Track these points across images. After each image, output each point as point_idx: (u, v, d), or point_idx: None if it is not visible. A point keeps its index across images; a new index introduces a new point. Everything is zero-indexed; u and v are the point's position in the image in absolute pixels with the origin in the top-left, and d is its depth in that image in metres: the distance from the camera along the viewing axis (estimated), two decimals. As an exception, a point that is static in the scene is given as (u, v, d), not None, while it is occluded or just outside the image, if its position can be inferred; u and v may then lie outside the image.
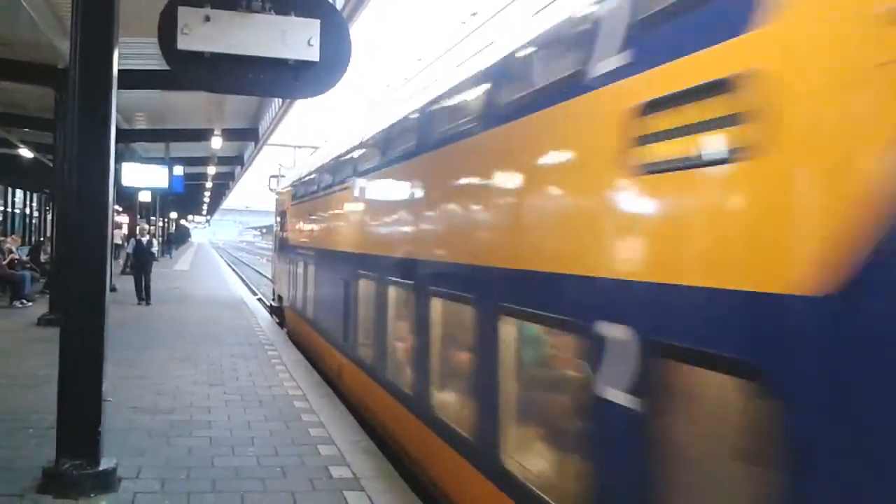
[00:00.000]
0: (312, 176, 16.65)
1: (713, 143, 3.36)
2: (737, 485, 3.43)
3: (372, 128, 11.11)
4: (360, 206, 11.24)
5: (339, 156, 13.39)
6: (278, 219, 23.00)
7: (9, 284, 20.55)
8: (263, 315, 22.06)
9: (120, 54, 6.88)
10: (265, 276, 50.79)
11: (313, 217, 15.93)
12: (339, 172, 13.08)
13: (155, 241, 25.75)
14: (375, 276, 9.74)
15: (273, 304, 23.68)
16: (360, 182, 11.15)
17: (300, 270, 17.05)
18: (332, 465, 7.62)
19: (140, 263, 22.70)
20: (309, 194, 16.76)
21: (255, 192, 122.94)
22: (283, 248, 21.06)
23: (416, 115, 8.70)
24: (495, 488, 5.65)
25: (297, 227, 18.70)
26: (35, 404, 8.99)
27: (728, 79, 3.27)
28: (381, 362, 9.53)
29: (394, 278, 8.97)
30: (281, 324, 20.37)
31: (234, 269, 52.54)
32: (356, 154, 11.89)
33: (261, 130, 26.76)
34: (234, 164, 40.03)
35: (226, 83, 7.19)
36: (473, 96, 6.83)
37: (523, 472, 5.40)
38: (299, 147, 49.92)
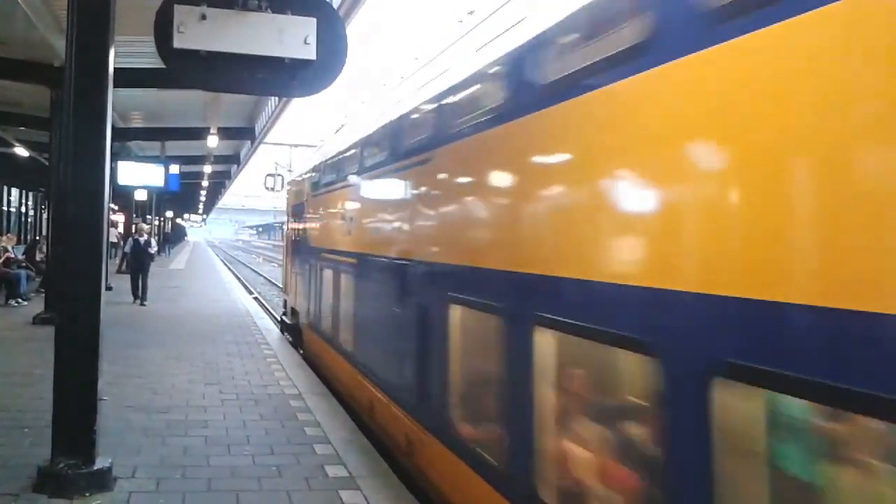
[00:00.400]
0: (350, 155, 11.98)
1: None
2: None
3: (485, 61, 6.60)
4: (461, 192, 6.96)
5: (410, 116, 8.73)
6: (292, 214, 18.76)
7: (4, 283, 20.49)
8: (260, 314, 22.02)
9: (116, 52, 6.88)
10: (261, 275, 50.77)
11: (353, 209, 11.48)
12: (408, 140, 8.59)
13: (153, 241, 25.39)
14: (493, 307, 5.90)
15: (285, 318, 19.24)
16: (463, 151, 6.80)
17: (329, 283, 12.83)
18: (327, 464, 7.63)
19: (138, 263, 22.56)
20: (343, 179, 12.29)
21: (252, 190, 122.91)
22: (301, 250, 16.53)
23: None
24: None
25: (323, 223, 14.27)
26: (30, 403, 8.99)
27: None
28: (520, 460, 5.40)
29: (543, 314, 5.08)
30: (295, 343, 16.53)
31: (230, 268, 52.47)
32: (455, 106, 7.22)
33: (257, 129, 26.73)
34: (230, 163, 40.02)
35: (222, 82, 7.18)
36: None
37: None
38: (295, 146, 49.96)
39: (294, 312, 17.48)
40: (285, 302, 19.97)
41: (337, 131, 15.47)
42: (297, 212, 17.71)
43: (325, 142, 16.34)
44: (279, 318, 21.23)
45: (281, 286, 23.63)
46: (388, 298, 8.92)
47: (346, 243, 11.66)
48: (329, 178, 13.82)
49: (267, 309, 27.56)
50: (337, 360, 12.14)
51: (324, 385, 11.83)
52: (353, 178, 11.56)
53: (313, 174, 15.77)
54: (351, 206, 11.69)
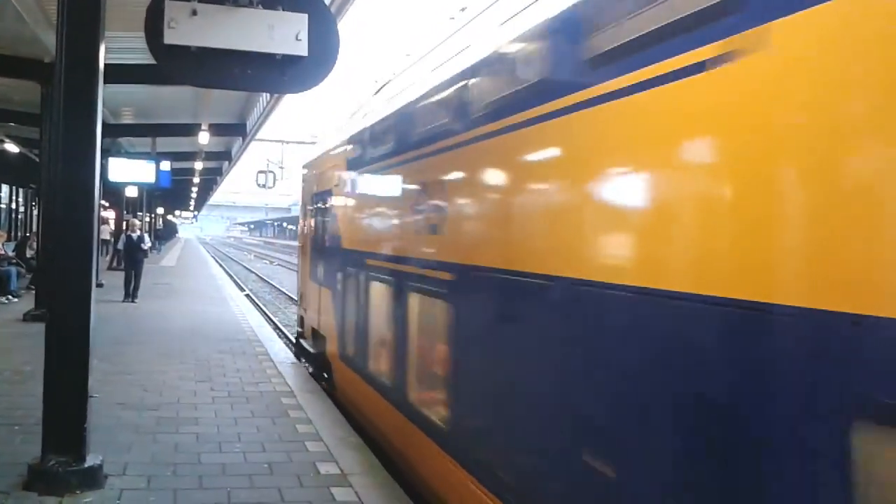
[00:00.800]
0: (442, 102, 7.10)
1: None
2: None
3: None
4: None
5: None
6: (314, 204, 13.73)
7: (-6, 280, 20.44)
8: (251, 311, 21.99)
9: (106, 48, 6.85)
10: (253, 272, 50.66)
11: (458, 191, 6.68)
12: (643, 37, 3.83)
13: (146, 236, 25.03)
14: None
15: (303, 342, 14.30)
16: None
17: (389, 306, 8.40)
18: (319, 461, 7.61)
19: (131, 260, 22.44)
20: (427, 144, 7.36)
21: (244, 187, 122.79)
22: (331, 254, 11.88)
23: None
24: None
25: (376, 215, 9.54)
26: (20, 400, 8.96)
27: None
28: None
29: None
30: (318, 376, 12.50)
31: (221, 265, 52.36)
32: None
33: (248, 126, 26.68)
34: (221, 160, 39.93)
35: (213, 78, 7.16)
36: None
37: None
38: (287, 143, 49.98)
39: (317, 336, 12.91)
40: (301, 319, 15.18)
41: (378, 91, 10.85)
42: (321, 201, 12.86)
43: (363, 107, 11.38)
44: (294, 339, 16.54)
45: (296, 298, 19.31)
46: (563, 356, 4.62)
47: (433, 246, 7.00)
48: (388, 146, 8.86)
49: (258, 305, 27.52)
50: (411, 432, 7.46)
51: (315, 382, 11.80)
52: (456, 137, 6.46)
53: (353, 146, 10.76)
54: (453, 185, 6.69)
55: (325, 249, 12.39)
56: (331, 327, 11.68)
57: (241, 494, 6.60)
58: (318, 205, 13.22)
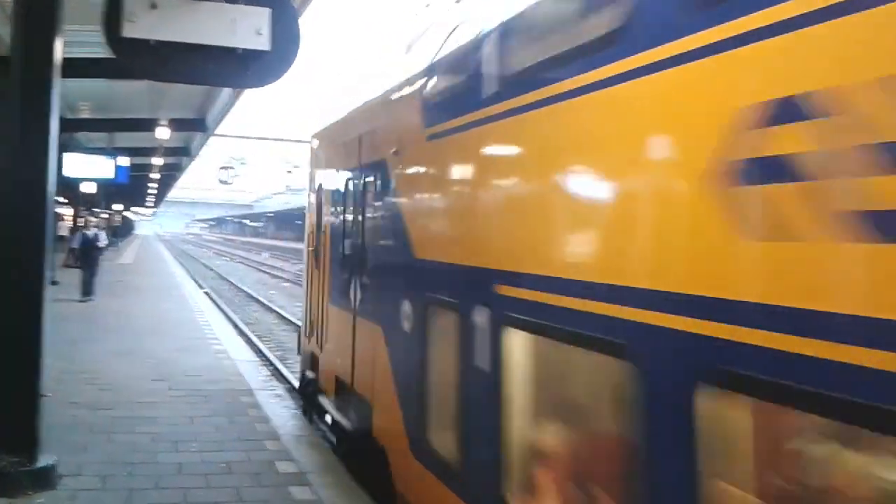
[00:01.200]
0: None
1: None
2: None
3: None
4: None
5: None
6: (347, 187, 8.68)
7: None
8: (210, 309, 21.80)
9: (64, 42, 6.74)
10: (211, 269, 50.16)
11: None
12: None
13: (102, 235, 24.66)
14: None
15: (324, 400, 9.14)
16: None
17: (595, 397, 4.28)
18: (277, 459, 7.58)
19: (87, 258, 22.11)
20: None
21: (203, 183, 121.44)
22: (393, 268, 7.00)
23: None
24: None
25: (548, 198, 4.24)
26: (-29, 399, 8.78)
27: None
28: None
29: None
30: (347, 453, 7.99)
31: (180, 263, 51.80)
32: None
33: (208, 120, 26.40)
34: (180, 156, 39.49)
35: (173, 72, 7.06)
36: None
37: None
38: (247, 138, 49.60)
39: (351, 397, 8.11)
40: (313, 359, 10.20)
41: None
42: (365, 181, 7.97)
43: (430, 27, 6.78)
44: (298, 388, 11.71)
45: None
46: None
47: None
48: (568, 58, 4.03)
49: (216, 303, 27.29)
50: None
51: (276, 381, 11.69)
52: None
53: (445, 82, 6.16)
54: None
55: (377, 260, 7.55)
56: (388, 393, 6.82)
57: (198, 494, 6.55)
58: (357, 189, 8.31)
